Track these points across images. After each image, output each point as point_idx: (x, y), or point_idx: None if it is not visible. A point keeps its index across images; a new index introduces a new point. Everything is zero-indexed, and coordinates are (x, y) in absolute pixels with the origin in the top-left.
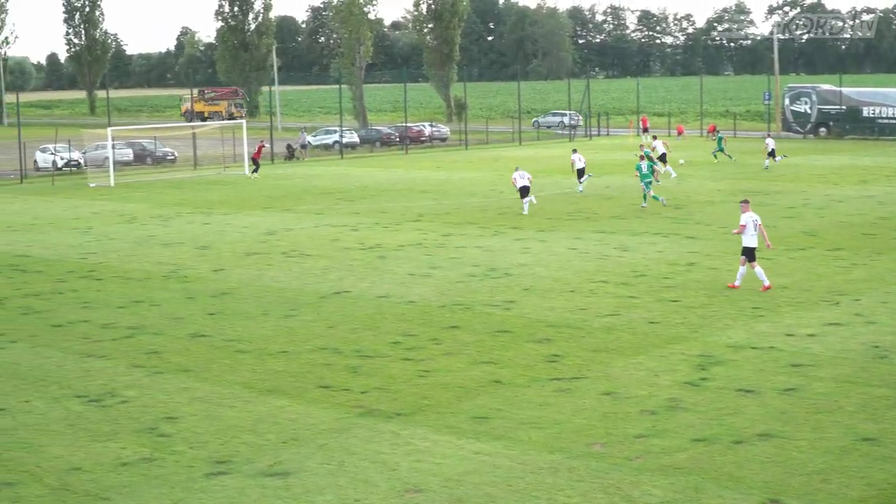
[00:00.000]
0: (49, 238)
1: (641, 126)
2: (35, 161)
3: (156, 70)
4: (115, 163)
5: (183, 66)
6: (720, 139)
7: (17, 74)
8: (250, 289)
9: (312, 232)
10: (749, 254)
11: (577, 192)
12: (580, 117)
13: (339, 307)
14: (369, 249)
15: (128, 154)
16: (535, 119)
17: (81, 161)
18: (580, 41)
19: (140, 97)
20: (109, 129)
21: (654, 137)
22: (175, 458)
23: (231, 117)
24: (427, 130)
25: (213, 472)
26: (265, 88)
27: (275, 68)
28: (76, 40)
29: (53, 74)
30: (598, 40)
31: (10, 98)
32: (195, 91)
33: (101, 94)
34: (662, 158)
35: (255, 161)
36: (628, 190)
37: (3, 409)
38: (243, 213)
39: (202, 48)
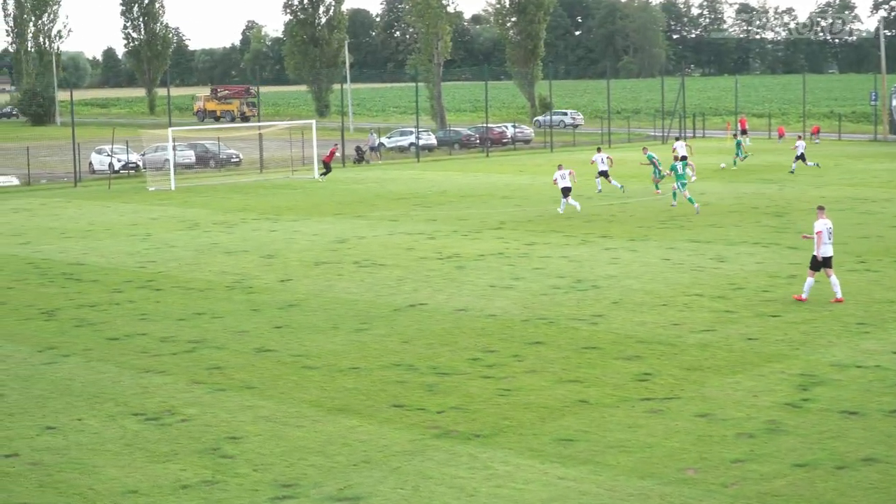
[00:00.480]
0: (105, 245)
1: (739, 127)
2: (90, 163)
3: (220, 67)
4: (176, 165)
5: (249, 62)
6: (738, 143)
7: (71, 70)
8: (319, 301)
9: (386, 240)
10: (826, 262)
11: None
12: (581, 116)
13: (414, 321)
14: (447, 259)
15: (189, 156)
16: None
17: (140, 163)
18: (674, 36)
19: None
20: (170, 129)
21: (677, 139)
22: (238, 480)
23: (243, 116)
24: (509, 132)
25: (279, 496)
26: (336, 86)
27: (347, 65)
28: (135, 34)
29: (110, 71)
30: (693, 35)
31: (63, 96)
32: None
33: (161, 91)
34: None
35: (325, 165)
36: (724, 197)
37: (55, 427)
38: (312, 219)
39: (269, 43)
